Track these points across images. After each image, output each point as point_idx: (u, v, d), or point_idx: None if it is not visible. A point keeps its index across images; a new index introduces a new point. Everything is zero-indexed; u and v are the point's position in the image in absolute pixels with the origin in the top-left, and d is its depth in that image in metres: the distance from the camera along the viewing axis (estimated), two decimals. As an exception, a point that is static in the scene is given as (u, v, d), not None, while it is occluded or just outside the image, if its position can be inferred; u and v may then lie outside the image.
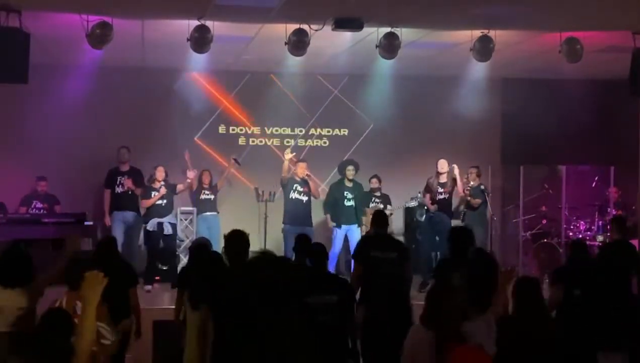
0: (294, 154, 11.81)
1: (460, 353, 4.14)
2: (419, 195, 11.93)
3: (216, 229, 11.58)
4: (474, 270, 5.51)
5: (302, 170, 11.47)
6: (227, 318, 4.59)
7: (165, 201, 11.47)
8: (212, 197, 11.90)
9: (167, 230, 11.37)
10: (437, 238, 11.31)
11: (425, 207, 11.73)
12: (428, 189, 11.51)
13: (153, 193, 11.44)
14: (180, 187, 11.70)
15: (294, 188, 11.37)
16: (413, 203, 12.21)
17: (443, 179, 11.44)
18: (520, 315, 5.05)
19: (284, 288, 3.57)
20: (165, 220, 11.40)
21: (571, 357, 4.95)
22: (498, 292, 5.31)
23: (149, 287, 10.77)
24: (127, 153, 11.70)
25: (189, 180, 11.65)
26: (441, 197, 11.38)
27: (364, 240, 8.30)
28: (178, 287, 6.81)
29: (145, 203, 11.45)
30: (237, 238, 6.00)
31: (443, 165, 11.44)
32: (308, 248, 6.71)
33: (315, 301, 5.98)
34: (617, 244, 8.14)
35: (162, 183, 11.50)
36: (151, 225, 11.33)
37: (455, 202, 11.77)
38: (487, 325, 4.94)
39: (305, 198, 11.40)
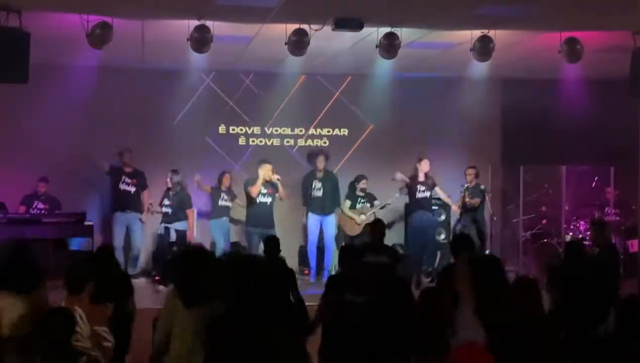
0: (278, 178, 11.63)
1: (459, 353, 4.13)
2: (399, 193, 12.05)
3: (228, 235, 11.73)
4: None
5: (268, 172, 11.45)
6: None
7: None
8: (230, 204, 11.85)
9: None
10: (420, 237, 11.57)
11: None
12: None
13: None
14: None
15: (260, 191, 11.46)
16: (397, 196, 12.15)
17: (422, 177, 11.68)
18: (519, 313, 5.04)
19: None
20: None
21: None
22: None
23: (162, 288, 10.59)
24: (130, 154, 11.76)
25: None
26: (422, 195, 11.63)
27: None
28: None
29: None
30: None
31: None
32: (278, 249, 7.36)
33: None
34: (608, 250, 8.33)
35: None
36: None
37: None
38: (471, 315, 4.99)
39: (269, 200, 11.53)
